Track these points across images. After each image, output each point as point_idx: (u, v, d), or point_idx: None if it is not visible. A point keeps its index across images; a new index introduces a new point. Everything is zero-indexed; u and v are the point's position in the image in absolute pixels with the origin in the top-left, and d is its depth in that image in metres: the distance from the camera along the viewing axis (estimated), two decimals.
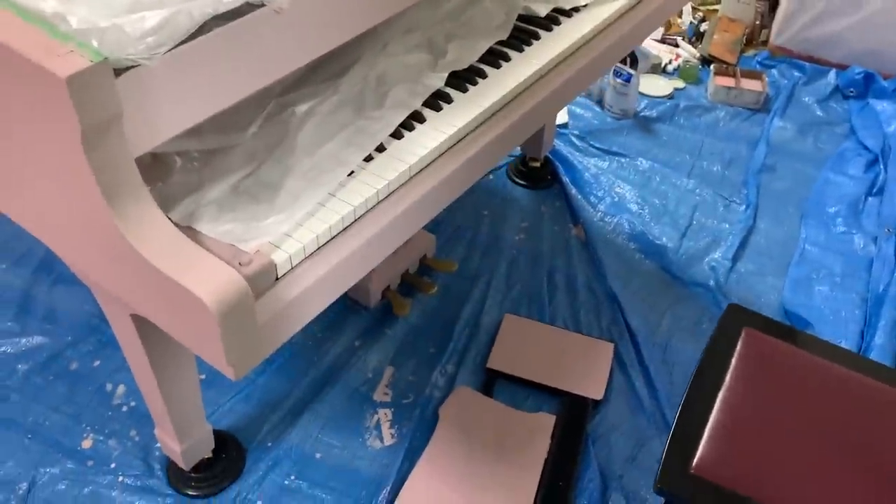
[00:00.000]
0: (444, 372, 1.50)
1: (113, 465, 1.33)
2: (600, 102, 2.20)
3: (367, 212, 0.92)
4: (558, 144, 1.99)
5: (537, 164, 1.93)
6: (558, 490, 1.31)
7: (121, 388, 1.44)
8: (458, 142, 1.03)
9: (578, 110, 2.16)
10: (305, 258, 0.86)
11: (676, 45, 2.42)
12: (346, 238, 0.90)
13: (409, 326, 1.58)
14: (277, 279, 0.83)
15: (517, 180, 1.93)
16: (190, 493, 1.29)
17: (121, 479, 1.31)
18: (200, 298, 0.74)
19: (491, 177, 1.95)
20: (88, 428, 1.38)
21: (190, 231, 0.84)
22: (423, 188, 0.97)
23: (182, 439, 1.21)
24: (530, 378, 1.47)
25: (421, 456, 1.34)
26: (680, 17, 2.55)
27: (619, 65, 2.08)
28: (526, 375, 1.47)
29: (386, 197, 0.95)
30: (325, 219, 0.88)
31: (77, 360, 1.48)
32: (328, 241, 0.88)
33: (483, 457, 1.34)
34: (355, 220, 0.91)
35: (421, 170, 0.99)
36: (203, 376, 1.45)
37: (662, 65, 2.34)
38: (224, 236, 0.83)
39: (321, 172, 0.92)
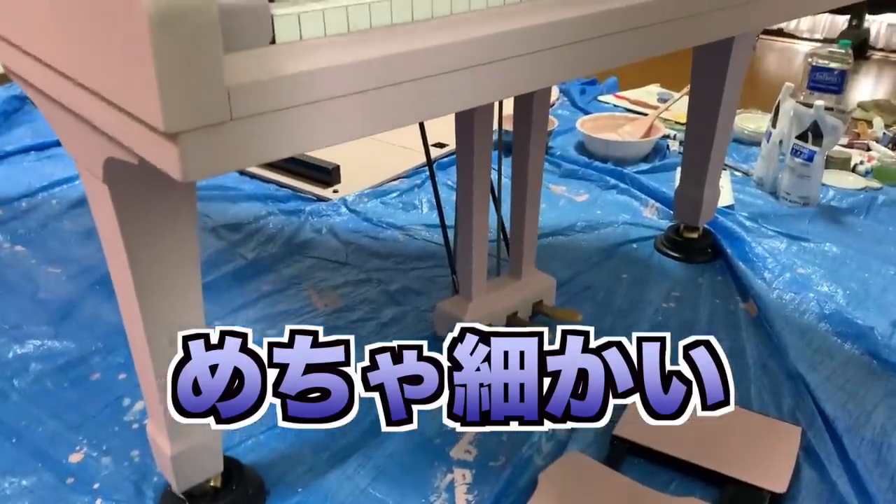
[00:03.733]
0: (552, 436, 1.08)
1: (96, 486, 1.00)
2: (774, 194, 1.83)
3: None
4: (722, 221, 1.63)
5: (694, 235, 1.56)
6: None
7: (139, 405, 1.14)
8: None
9: (746, 198, 1.81)
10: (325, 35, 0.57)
11: (868, 149, 2.05)
12: (406, 34, 0.60)
13: None
14: (274, 42, 0.55)
15: (669, 252, 1.56)
16: None
17: (98, 502, 0.97)
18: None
19: (634, 246, 1.60)
20: (84, 441, 1.07)
21: None
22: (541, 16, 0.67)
23: (174, 435, 0.87)
24: (677, 455, 1.02)
25: None
26: (870, 127, 2.19)
27: (798, 142, 1.74)
28: (671, 451, 1.03)
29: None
30: None
31: (101, 370, 1.21)
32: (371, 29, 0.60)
33: None
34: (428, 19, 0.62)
35: None
36: None
37: (853, 165, 1.96)
38: None
39: None
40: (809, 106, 1.77)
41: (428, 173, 1.90)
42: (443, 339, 1.26)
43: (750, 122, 2.18)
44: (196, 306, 0.83)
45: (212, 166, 0.52)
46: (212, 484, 0.95)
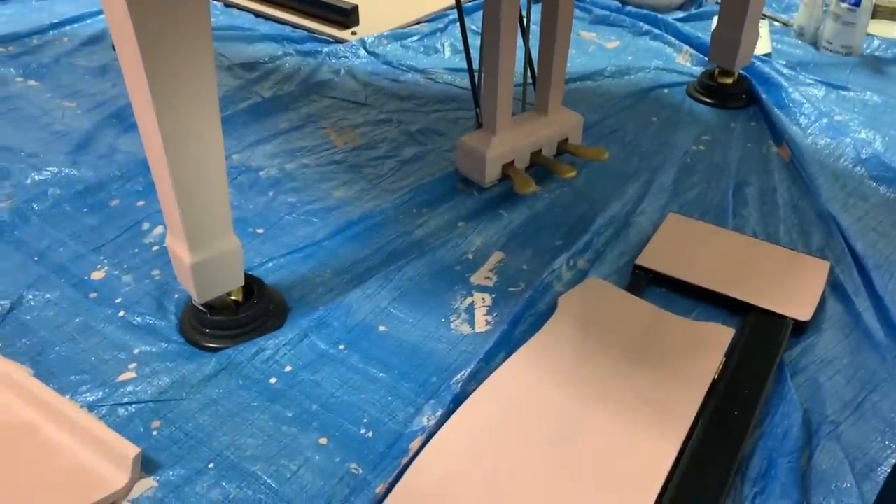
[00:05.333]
0: (573, 265, 1.07)
1: (118, 300, 1.00)
2: (814, 44, 1.74)
3: None
4: (758, 67, 1.55)
5: (729, 81, 1.50)
6: (733, 418, 0.83)
7: (158, 229, 1.13)
8: None
9: (785, 48, 1.72)
10: None
11: None
12: None
13: (532, 214, 1.18)
14: None
15: (702, 97, 1.50)
16: (199, 340, 0.94)
17: (122, 314, 0.98)
18: None
19: (666, 91, 1.53)
20: (105, 260, 1.07)
21: None
22: None
23: (193, 244, 0.86)
24: (700, 284, 1.01)
25: (524, 344, 0.92)
26: None
27: None
28: (695, 280, 1.02)
29: None
30: None
31: (120, 197, 1.20)
32: None
33: (617, 359, 0.89)
34: None
35: None
36: (261, 230, 1.12)
37: None
38: None
39: None
40: None
41: (451, 16, 1.83)
42: (464, 176, 1.25)
43: None
44: (212, 110, 0.80)
45: None
46: (232, 297, 0.95)
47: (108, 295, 1.01)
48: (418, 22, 1.81)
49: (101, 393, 0.87)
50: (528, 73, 1.28)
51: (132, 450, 0.78)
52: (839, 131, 1.37)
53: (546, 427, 0.81)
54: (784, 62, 1.62)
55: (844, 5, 1.64)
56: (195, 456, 0.81)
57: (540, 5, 1.17)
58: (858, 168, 1.29)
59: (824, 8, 1.73)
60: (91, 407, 0.85)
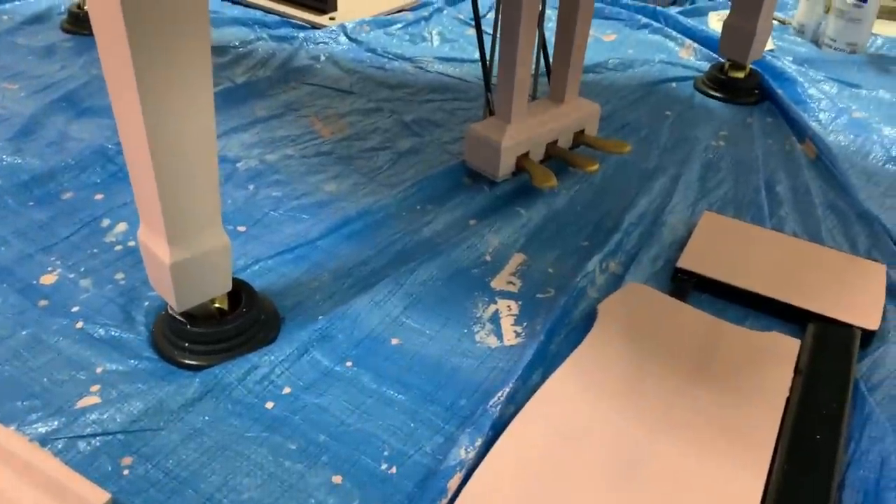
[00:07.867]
0: (605, 269, 0.95)
1: (75, 309, 0.84)
2: (816, 42, 1.67)
3: None
4: (770, 61, 1.46)
5: (740, 75, 1.40)
6: (816, 444, 0.71)
7: (121, 226, 0.97)
8: None
9: (787, 45, 1.64)
10: None
11: None
12: None
13: (552, 211, 1.05)
14: None
15: (712, 92, 1.40)
16: (177, 356, 0.78)
17: (80, 325, 0.81)
18: None
19: (674, 85, 1.43)
20: (58, 262, 0.90)
21: None
22: None
23: (175, 238, 0.71)
24: (752, 289, 0.89)
25: (566, 360, 0.79)
26: None
27: None
28: (745, 285, 0.90)
29: None
30: None
31: (74, 190, 1.03)
32: None
33: (676, 375, 0.77)
34: None
35: None
36: (243, 228, 0.97)
37: None
38: None
39: None
40: None
41: (435, 5, 1.70)
42: (471, 170, 1.11)
43: None
44: (204, 68, 0.65)
45: None
46: (217, 305, 0.79)
47: (63, 303, 0.84)
48: (400, 10, 1.68)
49: (56, 423, 0.70)
50: (541, 60, 1.16)
51: (100, 495, 0.62)
52: (862, 128, 1.28)
53: (607, 456, 0.68)
54: (790, 59, 1.54)
55: (850, 1, 1.56)
56: (178, 501, 0.65)
57: None
58: (890, 166, 1.20)
59: (825, 5, 1.66)
60: (44, 441, 0.68)
